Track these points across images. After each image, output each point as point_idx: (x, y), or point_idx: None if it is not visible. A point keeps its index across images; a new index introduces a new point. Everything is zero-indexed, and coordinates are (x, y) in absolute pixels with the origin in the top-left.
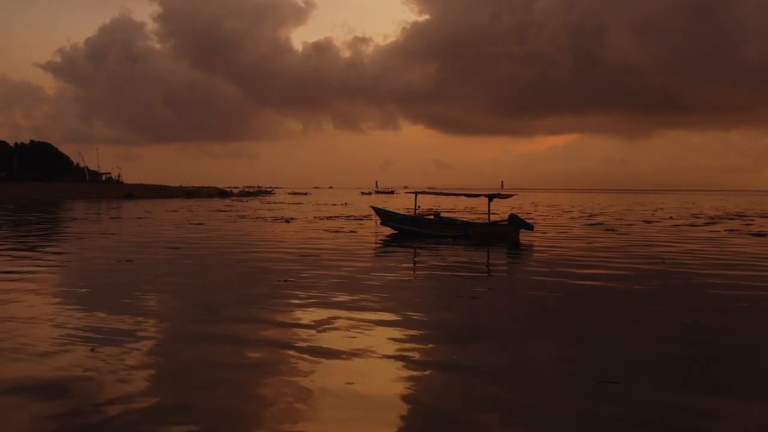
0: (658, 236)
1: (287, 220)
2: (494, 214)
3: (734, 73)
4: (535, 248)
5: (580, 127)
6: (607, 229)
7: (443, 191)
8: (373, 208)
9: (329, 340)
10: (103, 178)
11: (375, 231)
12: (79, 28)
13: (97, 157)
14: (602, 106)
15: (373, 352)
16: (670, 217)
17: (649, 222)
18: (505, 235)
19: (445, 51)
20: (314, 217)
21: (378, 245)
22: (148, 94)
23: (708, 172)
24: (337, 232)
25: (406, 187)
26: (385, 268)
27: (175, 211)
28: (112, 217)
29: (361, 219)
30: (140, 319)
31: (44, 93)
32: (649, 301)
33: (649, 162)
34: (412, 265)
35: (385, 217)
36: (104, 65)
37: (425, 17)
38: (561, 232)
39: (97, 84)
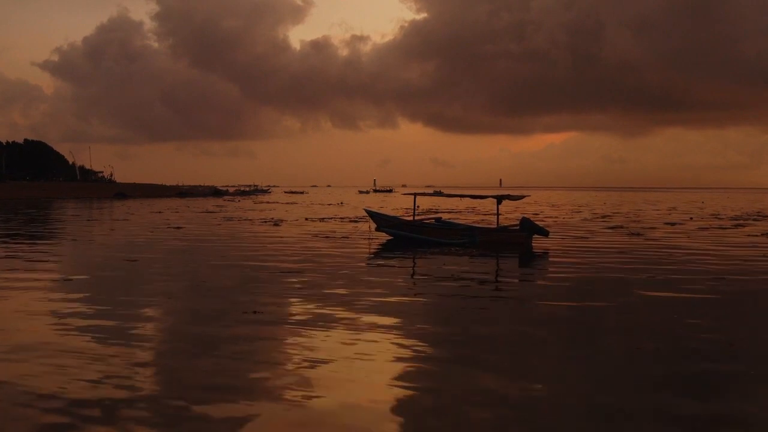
0: (693, 243)
1: (276, 223)
2: (493, 215)
3: (732, 70)
4: (551, 258)
5: (577, 125)
6: (632, 234)
7: (445, 192)
8: (367, 211)
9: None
10: (96, 177)
11: (369, 237)
12: (76, 27)
13: (90, 156)
14: (600, 103)
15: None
16: (691, 218)
17: (672, 224)
18: (517, 241)
19: (443, 49)
20: (306, 219)
21: (371, 256)
22: (146, 92)
23: (706, 169)
24: (327, 237)
25: (404, 186)
26: (378, 289)
27: (160, 212)
28: (88, 220)
29: (355, 220)
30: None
31: (42, 92)
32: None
33: (647, 159)
34: (409, 283)
35: (380, 221)
36: (102, 64)
37: (423, 15)
38: (579, 238)
39: (95, 83)
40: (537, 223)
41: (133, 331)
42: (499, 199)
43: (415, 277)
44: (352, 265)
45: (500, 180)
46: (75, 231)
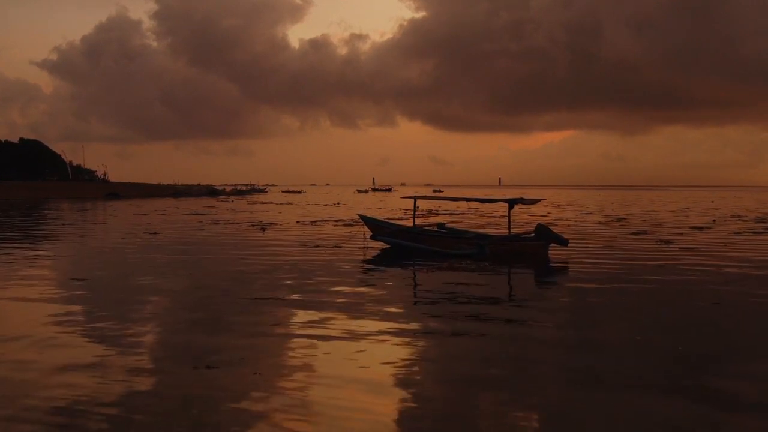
0: (737, 252)
1: (263, 228)
2: (497, 217)
3: (731, 68)
4: (572, 272)
5: (576, 123)
6: (661, 242)
7: (445, 192)
8: (361, 217)
9: None
10: (89, 176)
11: (364, 246)
12: (75, 26)
13: (83, 155)
14: (599, 102)
15: None
16: (714, 221)
17: (700, 229)
18: (531, 251)
19: (442, 48)
20: (297, 222)
21: (365, 271)
22: (145, 91)
23: (705, 167)
24: (317, 247)
25: (403, 184)
26: (371, 322)
27: (145, 214)
28: (63, 224)
29: (350, 224)
30: None
31: (40, 91)
32: None
33: (646, 158)
34: (407, 309)
35: (376, 228)
36: (101, 63)
37: (422, 14)
38: (602, 247)
39: (94, 82)
40: (553, 229)
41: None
42: (511, 203)
43: (414, 300)
44: (340, 288)
45: (499, 178)
46: (40, 237)
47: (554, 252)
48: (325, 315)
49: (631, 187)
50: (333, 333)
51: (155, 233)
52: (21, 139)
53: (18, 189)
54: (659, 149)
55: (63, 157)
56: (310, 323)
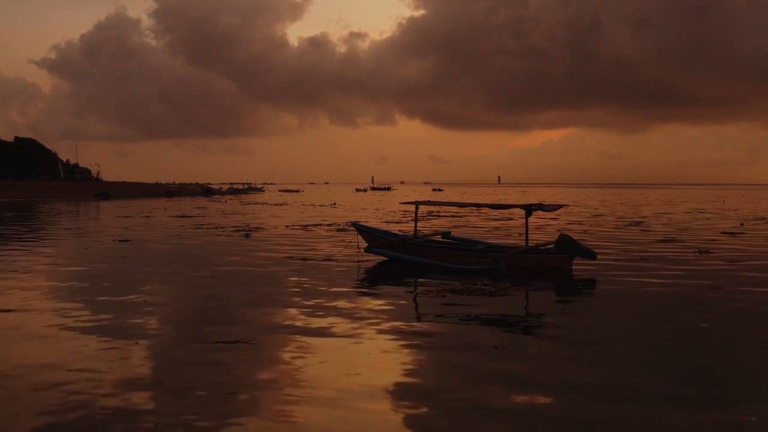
0: None
1: (247, 234)
2: (503, 220)
3: (729, 66)
4: (604, 292)
5: (575, 121)
6: (699, 252)
7: (454, 201)
8: (355, 226)
9: None
10: (81, 176)
11: (358, 258)
12: (74, 25)
13: (77, 153)
14: (598, 100)
15: None
16: (741, 224)
17: (732, 234)
18: (553, 266)
19: (441, 46)
20: (287, 226)
21: (357, 293)
22: (144, 90)
23: (704, 165)
24: (304, 260)
25: (402, 183)
26: (359, 366)
27: (128, 216)
28: (32, 231)
29: (344, 229)
30: None
31: (39, 90)
32: None
33: (645, 156)
34: (404, 347)
35: (372, 238)
36: (99, 62)
37: (421, 12)
38: (631, 258)
39: (93, 80)
40: (578, 241)
41: None
42: (529, 210)
43: (416, 334)
44: (327, 319)
45: (498, 177)
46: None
47: (578, 266)
48: (302, 365)
49: (630, 185)
50: (311, 389)
51: (126, 241)
52: (16, 137)
53: (7, 189)
54: (658, 147)
55: (57, 155)
56: (284, 371)
